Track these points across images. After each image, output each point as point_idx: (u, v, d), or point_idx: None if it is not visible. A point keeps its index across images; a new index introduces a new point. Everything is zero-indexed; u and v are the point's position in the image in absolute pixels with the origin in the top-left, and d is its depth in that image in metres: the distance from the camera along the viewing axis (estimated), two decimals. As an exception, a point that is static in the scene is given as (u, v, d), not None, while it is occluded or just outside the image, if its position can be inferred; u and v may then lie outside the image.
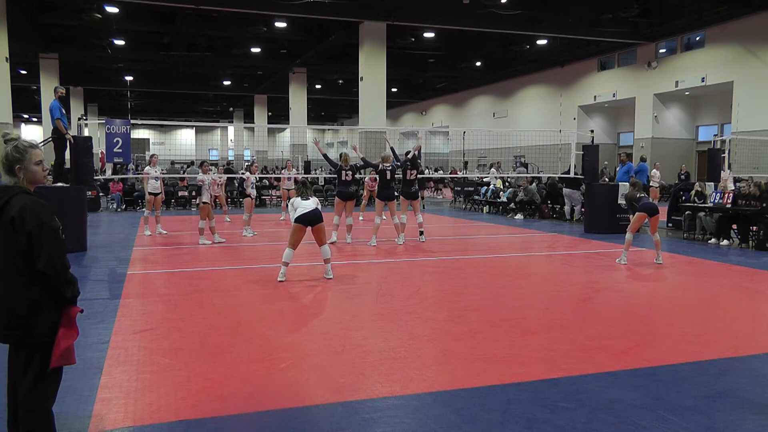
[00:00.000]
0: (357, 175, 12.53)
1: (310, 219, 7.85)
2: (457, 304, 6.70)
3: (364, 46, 23.96)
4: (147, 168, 13.57)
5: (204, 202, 11.71)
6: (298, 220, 7.82)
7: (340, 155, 12.17)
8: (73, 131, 13.18)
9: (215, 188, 13.49)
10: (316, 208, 7.89)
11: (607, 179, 17.90)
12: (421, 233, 11.96)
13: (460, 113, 42.23)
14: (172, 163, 28.02)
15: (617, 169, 14.88)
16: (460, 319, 6.03)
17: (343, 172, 11.64)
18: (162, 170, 15.66)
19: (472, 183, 23.32)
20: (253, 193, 13.64)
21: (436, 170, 33.47)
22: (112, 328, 5.65)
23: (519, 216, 17.84)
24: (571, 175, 15.52)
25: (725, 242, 11.82)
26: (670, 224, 14.12)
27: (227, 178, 22.47)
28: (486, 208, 20.47)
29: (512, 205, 18.43)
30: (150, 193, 13.24)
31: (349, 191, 11.59)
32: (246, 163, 37.72)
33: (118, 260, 9.73)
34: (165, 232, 13.36)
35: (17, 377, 2.93)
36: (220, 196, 14.18)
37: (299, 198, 7.99)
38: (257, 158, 38.21)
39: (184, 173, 24.47)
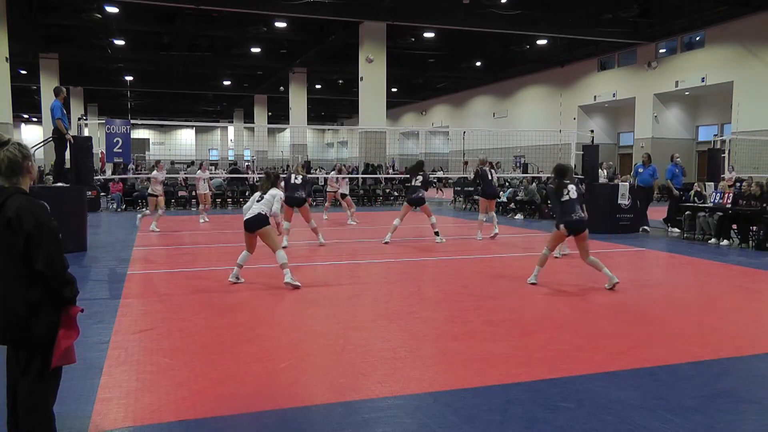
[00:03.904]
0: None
1: (249, 226, 7.46)
2: (457, 304, 6.69)
3: (364, 46, 23.96)
4: (155, 173, 14.41)
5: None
6: (244, 224, 7.54)
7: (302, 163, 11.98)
8: (73, 131, 13.18)
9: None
10: (259, 214, 7.39)
11: (606, 179, 17.86)
12: (437, 234, 11.97)
13: (460, 113, 42.23)
14: (172, 163, 27.97)
15: (640, 170, 14.25)
16: (460, 319, 6.03)
17: (293, 176, 11.39)
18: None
19: (472, 183, 23.30)
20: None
21: (434, 171, 33.49)
22: (112, 328, 5.64)
23: (519, 216, 17.85)
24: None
25: (725, 242, 11.81)
26: (669, 224, 14.10)
27: (232, 178, 22.69)
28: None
29: (512, 205, 18.43)
30: (153, 195, 14.07)
31: (295, 196, 11.17)
32: (246, 163, 37.77)
33: (118, 260, 9.72)
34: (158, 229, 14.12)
35: (17, 377, 2.92)
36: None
37: (258, 193, 7.68)
38: (257, 158, 38.22)
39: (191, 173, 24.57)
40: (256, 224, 7.43)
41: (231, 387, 4.17)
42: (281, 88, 34.04)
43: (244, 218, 7.54)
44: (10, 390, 2.98)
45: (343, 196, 16.73)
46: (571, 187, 7.44)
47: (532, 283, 7.63)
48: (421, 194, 11.67)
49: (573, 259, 10.13)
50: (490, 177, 12.46)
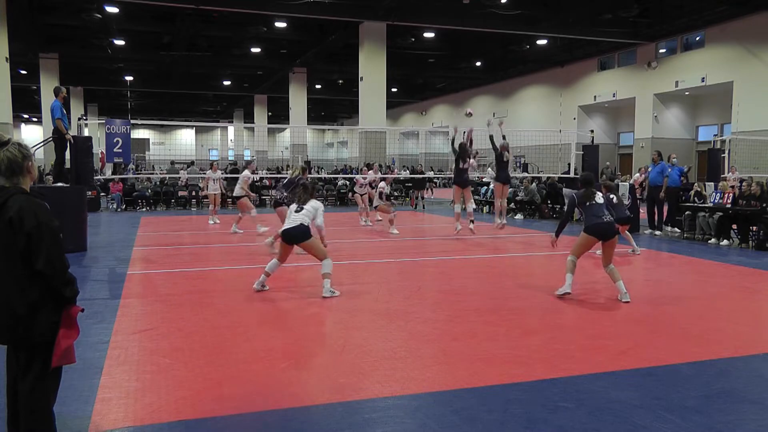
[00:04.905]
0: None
1: (291, 237, 6.98)
2: (457, 304, 6.70)
3: (364, 46, 23.97)
4: (246, 172, 13.83)
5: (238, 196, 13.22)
6: (282, 235, 7.16)
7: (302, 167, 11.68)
8: (73, 131, 13.18)
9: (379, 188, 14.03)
10: (301, 225, 6.92)
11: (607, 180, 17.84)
12: (472, 221, 12.54)
13: (460, 113, 42.18)
14: (172, 163, 28.06)
15: (649, 168, 14.10)
16: (460, 319, 6.03)
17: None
18: (161, 170, 15.97)
19: (472, 183, 23.30)
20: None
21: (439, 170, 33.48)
22: (112, 328, 5.64)
23: (519, 216, 17.85)
24: (571, 175, 15.52)
25: (725, 242, 11.81)
26: (670, 224, 14.09)
27: (232, 178, 22.65)
28: (486, 208, 20.46)
29: (512, 205, 18.43)
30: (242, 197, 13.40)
31: (276, 199, 11.12)
32: (245, 162, 37.74)
33: (118, 260, 9.72)
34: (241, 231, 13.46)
35: (17, 377, 2.93)
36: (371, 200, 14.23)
37: (294, 206, 7.22)
38: (257, 158, 38.17)
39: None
40: (298, 236, 6.95)
41: (231, 387, 4.17)
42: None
43: (283, 228, 7.10)
44: (11, 390, 2.98)
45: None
46: (598, 194, 7.49)
47: (566, 293, 6.92)
48: (466, 176, 12.43)
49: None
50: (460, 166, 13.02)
